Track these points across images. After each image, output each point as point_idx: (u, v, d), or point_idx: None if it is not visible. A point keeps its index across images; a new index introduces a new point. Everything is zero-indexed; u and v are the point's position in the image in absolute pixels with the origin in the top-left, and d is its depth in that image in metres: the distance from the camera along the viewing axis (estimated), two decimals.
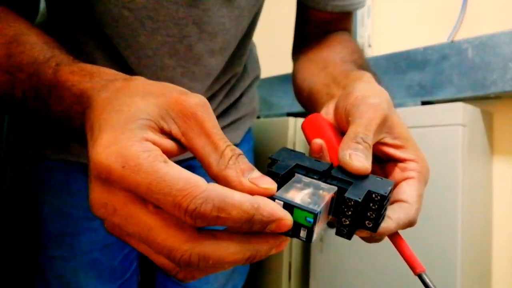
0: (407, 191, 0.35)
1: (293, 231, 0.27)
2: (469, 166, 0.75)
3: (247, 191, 0.25)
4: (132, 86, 0.29)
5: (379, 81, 0.43)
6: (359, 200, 0.29)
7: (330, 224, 0.34)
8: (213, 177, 0.27)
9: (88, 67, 0.34)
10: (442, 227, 0.73)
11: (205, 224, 0.24)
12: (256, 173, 0.27)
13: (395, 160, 0.37)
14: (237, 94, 0.70)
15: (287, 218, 0.25)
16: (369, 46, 1.07)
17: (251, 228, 0.25)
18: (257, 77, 0.76)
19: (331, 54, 0.54)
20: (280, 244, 0.27)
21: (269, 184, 0.27)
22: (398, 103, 0.90)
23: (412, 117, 0.79)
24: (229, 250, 0.25)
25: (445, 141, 0.75)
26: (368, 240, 0.35)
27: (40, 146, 0.66)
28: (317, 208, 0.26)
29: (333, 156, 0.36)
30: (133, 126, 0.26)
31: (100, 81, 0.31)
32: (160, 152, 0.25)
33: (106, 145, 0.25)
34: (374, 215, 0.30)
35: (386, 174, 0.38)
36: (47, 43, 0.38)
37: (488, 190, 0.83)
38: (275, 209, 0.25)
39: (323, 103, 0.45)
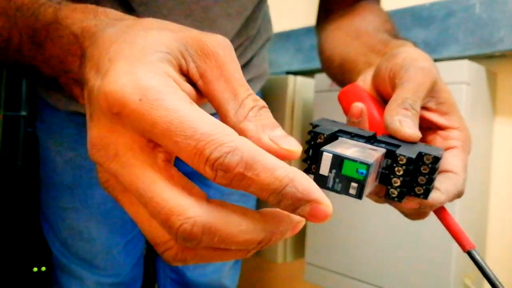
0: (452, 161, 0.34)
1: (342, 187, 0.25)
2: (471, 125, 0.74)
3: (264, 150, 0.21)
4: (146, 22, 0.25)
5: None
6: (413, 157, 0.27)
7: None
8: None
9: (93, 6, 0.29)
10: None
11: (225, 182, 0.20)
12: (280, 132, 0.23)
13: (436, 128, 0.36)
14: (249, 55, 0.67)
15: (327, 204, 0.20)
16: None
17: (278, 203, 0.20)
18: (269, 38, 0.74)
19: (364, 23, 0.51)
20: (296, 225, 0.23)
21: (292, 145, 0.22)
22: None
23: None
24: (240, 227, 0.20)
25: None
26: (414, 214, 0.33)
27: (52, 97, 0.63)
28: (371, 159, 0.24)
29: (372, 125, 0.34)
30: (152, 58, 0.22)
31: (105, 19, 0.27)
32: (184, 92, 0.21)
33: (120, 74, 0.21)
34: (425, 180, 0.28)
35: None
36: None
37: (488, 150, 0.83)
38: (313, 187, 0.20)
39: (359, 71, 0.43)
